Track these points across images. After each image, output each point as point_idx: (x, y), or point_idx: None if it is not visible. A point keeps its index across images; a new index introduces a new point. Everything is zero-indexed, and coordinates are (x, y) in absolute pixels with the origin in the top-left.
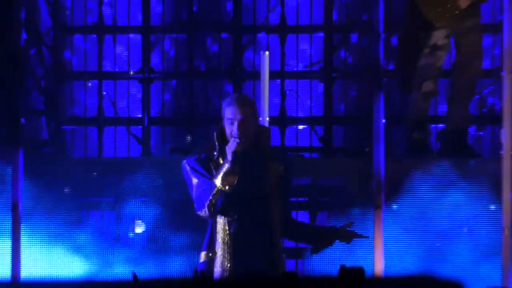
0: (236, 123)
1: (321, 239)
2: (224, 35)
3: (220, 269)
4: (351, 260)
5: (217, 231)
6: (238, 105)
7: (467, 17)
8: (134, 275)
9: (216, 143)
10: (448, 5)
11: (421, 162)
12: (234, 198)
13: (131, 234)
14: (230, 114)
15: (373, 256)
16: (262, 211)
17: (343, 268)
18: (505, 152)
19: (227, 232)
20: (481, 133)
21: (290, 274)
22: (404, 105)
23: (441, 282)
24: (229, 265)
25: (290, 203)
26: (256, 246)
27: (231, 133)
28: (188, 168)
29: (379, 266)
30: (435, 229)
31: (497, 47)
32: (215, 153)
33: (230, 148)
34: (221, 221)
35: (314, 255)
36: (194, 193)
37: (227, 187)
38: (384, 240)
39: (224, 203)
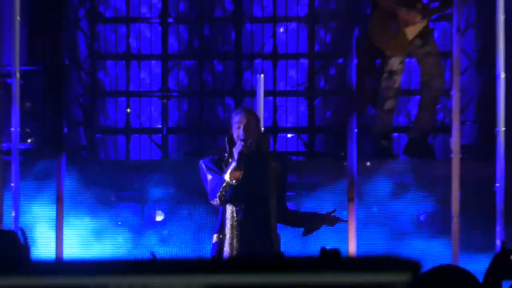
0: (242, 126)
1: (311, 223)
2: (228, 61)
3: (229, 249)
4: (330, 243)
5: (227, 217)
6: (244, 112)
7: (419, 46)
8: (153, 255)
9: (227, 146)
10: (397, 38)
11: (386, 163)
12: (240, 190)
13: (153, 222)
14: (237, 119)
15: (347, 240)
16: (263, 203)
17: (323, 249)
18: (453, 156)
19: (235, 218)
20: (435, 140)
21: (279, 255)
22: (372, 118)
23: (402, 261)
24: (236, 245)
25: (285, 196)
26: (258, 230)
27: (238, 136)
28: (204, 167)
29: (352, 248)
30: (398, 218)
31: (447, 71)
32: (226, 154)
33: (236, 149)
34: (230, 210)
35: (305, 236)
36: (208, 186)
37: (233, 181)
38: (356, 226)
39: (232, 195)
